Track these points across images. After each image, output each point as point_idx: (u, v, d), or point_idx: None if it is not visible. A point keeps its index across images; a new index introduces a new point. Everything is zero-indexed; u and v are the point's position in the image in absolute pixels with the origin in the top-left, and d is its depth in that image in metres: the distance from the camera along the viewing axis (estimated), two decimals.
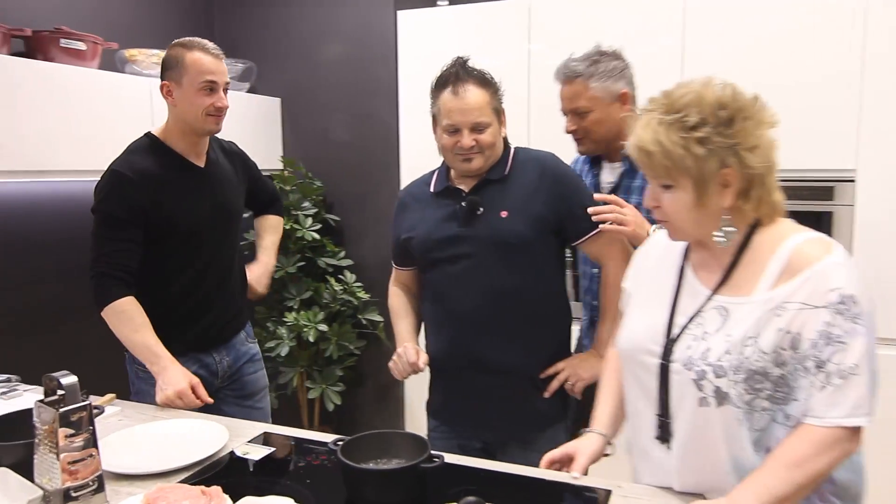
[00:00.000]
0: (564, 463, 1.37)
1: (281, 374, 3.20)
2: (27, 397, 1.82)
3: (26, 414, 1.44)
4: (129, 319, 1.79)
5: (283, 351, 3.11)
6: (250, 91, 3.38)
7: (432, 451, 1.28)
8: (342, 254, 3.36)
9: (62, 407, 1.20)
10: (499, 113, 1.70)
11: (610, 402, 1.42)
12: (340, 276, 3.31)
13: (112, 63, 2.73)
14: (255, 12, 3.49)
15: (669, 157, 1.14)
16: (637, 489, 1.30)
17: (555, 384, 1.71)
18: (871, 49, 2.32)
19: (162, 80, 1.87)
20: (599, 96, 1.85)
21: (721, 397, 1.15)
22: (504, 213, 1.67)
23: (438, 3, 3.14)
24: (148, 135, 1.92)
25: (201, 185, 1.93)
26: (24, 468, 1.25)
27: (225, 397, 2.06)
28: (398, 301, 1.91)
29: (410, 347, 1.72)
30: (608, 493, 1.28)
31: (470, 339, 1.70)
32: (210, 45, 1.87)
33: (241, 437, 1.55)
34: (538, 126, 2.82)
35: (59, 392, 1.22)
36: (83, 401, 1.23)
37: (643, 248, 1.42)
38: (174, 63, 1.84)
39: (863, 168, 2.38)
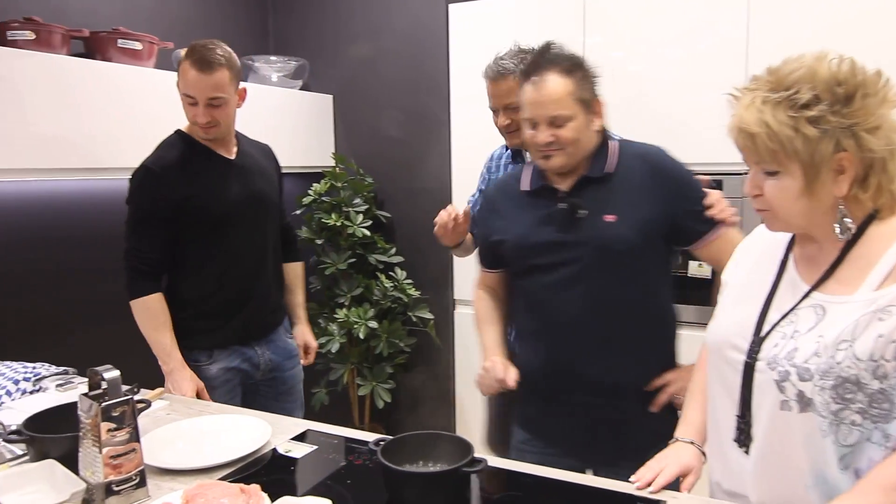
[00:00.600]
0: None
1: (332, 371, 3.20)
2: (82, 389, 1.85)
3: (75, 407, 1.47)
4: (152, 317, 1.88)
5: (334, 347, 3.11)
6: (303, 88, 3.39)
7: (475, 455, 1.22)
8: (393, 250, 3.34)
9: (105, 401, 1.21)
10: (587, 104, 1.52)
11: (701, 407, 1.33)
12: (391, 273, 3.29)
13: (168, 62, 2.78)
14: (308, 10, 3.51)
15: (776, 139, 1.02)
16: (693, 500, 1.22)
17: (663, 397, 1.56)
18: None
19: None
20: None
21: (804, 403, 1.04)
22: (610, 218, 1.51)
23: None
24: (177, 131, 1.98)
25: (231, 175, 1.97)
26: (71, 460, 1.27)
27: (263, 391, 2.11)
28: (485, 306, 1.77)
29: (499, 363, 1.58)
30: (662, 503, 1.20)
31: (570, 354, 1.56)
32: (208, 55, 1.82)
33: (284, 433, 1.54)
34: None
35: (103, 386, 1.22)
36: (127, 395, 1.23)
37: (746, 240, 1.31)
38: (178, 67, 1.89)
39: None
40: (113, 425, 1.21)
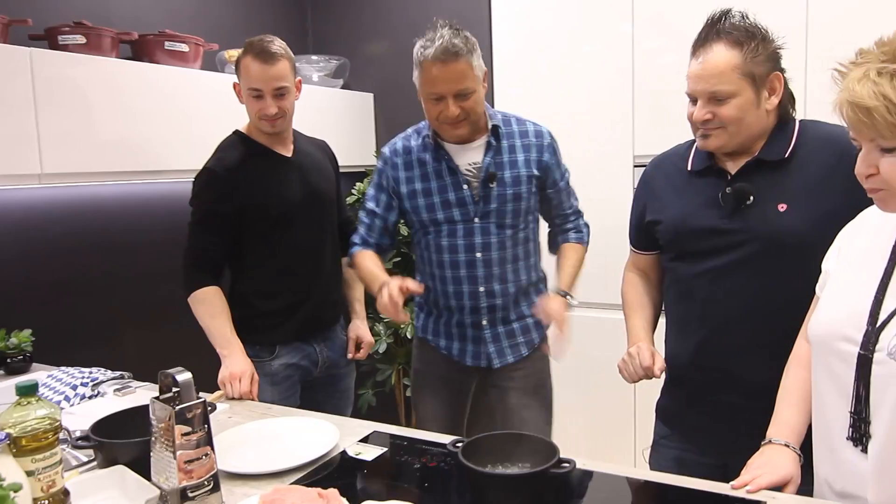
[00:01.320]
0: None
1: (378, 372, 3.17)
2: (140, 394, 1.84)
3: (143, 410, 1.44)
4: (210, 305, 1.88)
5: (381, 348, 3.07)
6: (343, 87, 3.36)
7: (562, 456, 1.17)
8: None
9: (178, 404, 1.17)
10: (757, 79, 1.36)
11: (797, 407, 1.25)
12: None
13: (212, 64, 2.77)
14: (346, 8, 3.48)
15: (895, 111, 0.94)
16: (794, 500, 1.15)
17: None
18: None
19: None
20: (479, 75, 1.76)
21: None
22: (782, 207, 1.38)
23: None
24: (235, 132, 2.00)
25: (290, 172, 1.99)
26: (139, 466, 1.24)
27: (318, 388, 2.11)
28: (633, 291, 1.68)
29: (645, 349, 1.51)
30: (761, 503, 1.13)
31: (724, 350, 1.45)
32: (268, 47, 1.86)
33: (350, 435, 1.50)
34: (642, 107, 2.66)
35: (174, 389, 1.19)
36: (199, 398, 1.20)
37: (849, 227, 1.21)
38: (237, 67, 1.91)
39: None
40: (187, 429, 1.17)
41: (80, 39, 2.16)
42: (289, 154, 2.01)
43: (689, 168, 1.53)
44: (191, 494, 1.18)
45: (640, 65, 2.67)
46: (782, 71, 1.41)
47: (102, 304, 2.53)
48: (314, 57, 3.29)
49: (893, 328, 1.03)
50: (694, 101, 1.43)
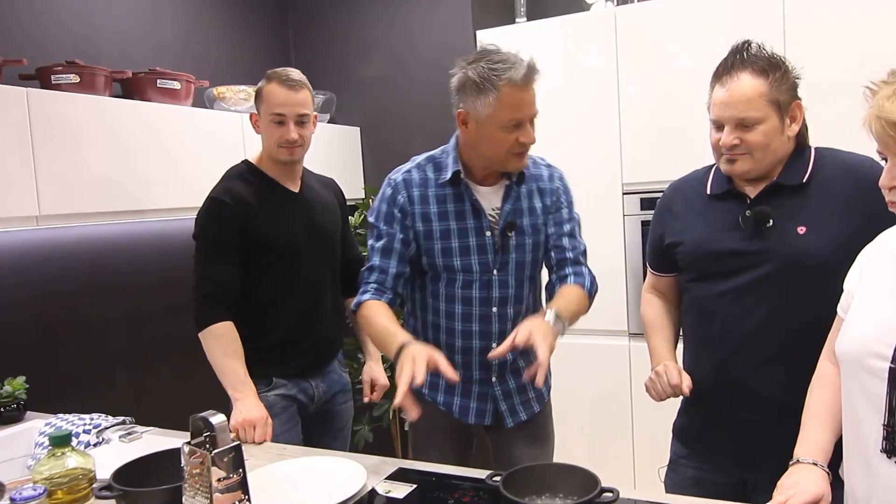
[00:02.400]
0: None
1: (375, 407, 3.13)
2: (147, 439, 1.78)
3: (159, 457, 1.40)
4: (226, 343, 1.82)
5: None
6: (330, 122, 3.37)
7: (604, 486, 1.17)
8: None
9: (212, 449, 1.14)
10: (781, 106, 1.41)
11: (825, 427, 1.27)
12: None
13: (201, 101, 2.75)
14: (331, 43, 3.50)
15: None
16: None
17: None
18: None
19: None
20: None
21: None
22: (802, 229, 1.42)
23: (517, 19, 3.09)
24: (245, 162, 1.98)
25: (296, 208, 1.96)
26: None
27: (313, 425, 2.05)
28: (653, 311, 1.70)
29: (672, 367, 1.53)
30: None
31: (742, 370, 1.48)
32: (292, 74, 1.89)
33: (374, 474, 1.47)
34: (629, 136, 2.73)
35: (208, 432, 1.16)
36: (234, 442, 1.17)
37: (870, 248, 1.25)
38: (258, 94, 1.92)
39: None
40: (223, 473, 1.14)
41: (74, 78, 2.13)
42: (296, 189, 2.00)
43: (708, 192, 1.56)
44: None
45: (625, 95, 2.73)
46: (800, 100, 1.47)
47: (96, 348, 2.46)
48: None
49: None
50: (719, 127, 1.46)
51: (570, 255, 1.74)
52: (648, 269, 1.75)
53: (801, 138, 1.50)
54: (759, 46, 1.45)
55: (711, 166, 1.60)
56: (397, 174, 1.75)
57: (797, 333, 1.43)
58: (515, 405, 1.77)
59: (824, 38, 2.37)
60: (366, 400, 2.13)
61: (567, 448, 2.77)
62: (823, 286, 1.36)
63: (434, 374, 1.74)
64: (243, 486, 1.18)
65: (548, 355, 1.41)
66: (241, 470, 1.17)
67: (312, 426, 2.05)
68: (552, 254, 1.75)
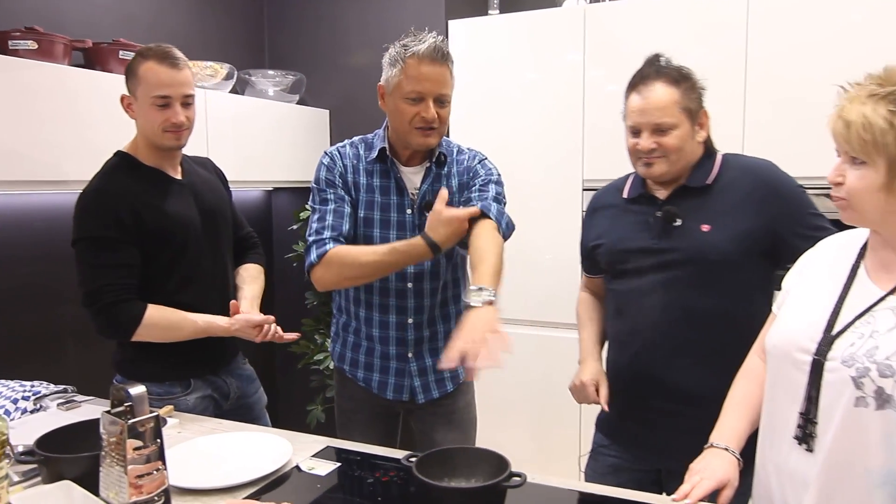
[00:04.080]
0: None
1: (329, 388, 3.15)
2: (86, 408, 1.80)
3: (87, 425, 1.41)
4: (169, 315, 1.73)
5: (331, 364, 3.05)
6: (300, 103, 3.37)
7: (513, 470, 1.20)
8: None
9: (130, 418, 1.16)
10: (691, 114, 1.54)
11: (742, 416, 1.33)
12: None
13: None
14: (305, 25, 3.49)
15: (870, 129, 1.06)
16: None
17: None
18: None
19: (127, 92, 1.75)
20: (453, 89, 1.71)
21: (883, 400, 1.05)
22: (706, 227, 1.52)
23: (489, 11, 3.10)
24: (118, 153, 1.80)
25: (184, 196, 1.83)
26: (88, 481, 1.22)
27: (232, 419, 1.90)
28: (584, 308, 1.82)
29: (590, 385, 1.63)
30: None
31: (654, 361, 1.57)
32: (171, 52, 1.72)
33: (302, 450, 1.50)
34: (592, 133, 2.76)
35: (127, 403, 1.18)
36: (152, 412, 1.19)
37: (811, 252, 1.32)
38: (131, 73, 1.72)
39: None
40: (138, 443, 1.16)
41: (32, 45, 2.11)
42: (179, 176, 1.85)
43: (624, 196, 1.67)
44: None
45: (590, 92, 2.76)
46: (705, 108, 1.59)
47: (44, 317, 2.45)
48: (270, 71, 3.29)
49: (848, 338, 1.12)
50: (636, 133, 1.56)
51: (491, 193, 1.74)
52: (582, 271, 1.84)
53: (709, 144, 1.62)
54: (668, 60, 1.58)
55: (631, 174, 1.69)
56: (332, 148, 1.84)
57: (703, 325, 1.53)
58: (429, 382, 1.84)
59: (787, 36, 2.41)
60: (258, 339, 1.86)
61: (517, 436, 2.82)
62: (726, 280, 1.50)
63: (354, 351, 1.83)
64: (160, 456, 1.20)
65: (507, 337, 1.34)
66: (158, 440, 1.20)
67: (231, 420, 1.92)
68: (474, 195, 1.75)
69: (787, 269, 1.50)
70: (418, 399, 1.84)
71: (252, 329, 1.80)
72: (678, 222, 1.54)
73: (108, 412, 1.19)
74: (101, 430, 1.19)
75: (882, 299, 1.12)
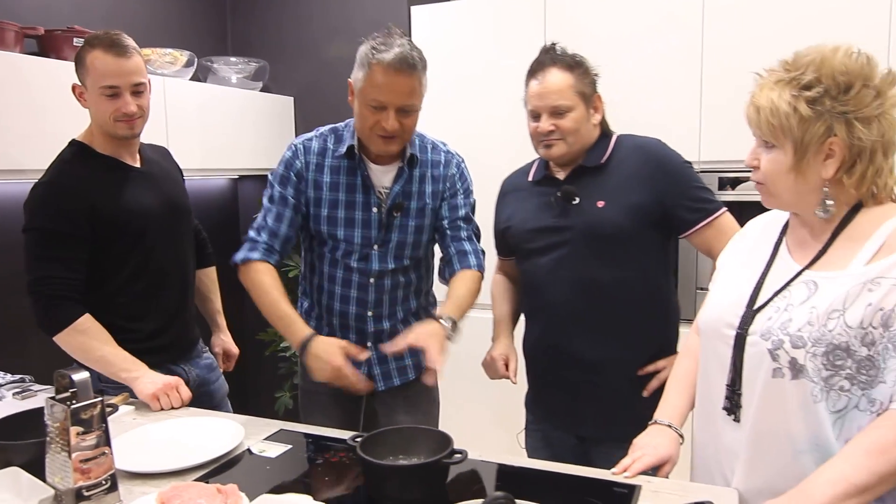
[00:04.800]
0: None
1: (295, 375, 3.16)
2: (42, 397, 1.79)
3: (39, 413, 1.42)
4: (96, 334, 1.69)
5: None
6: (263, 90, 3.36)
7: (455, 447, 1.23)
8: None
9: (73, 404, 1.17)
10: (586, 97, 1.62)
11: (683, 393, 1.39)
12: None
13: None
14: (268, 11, 3.48)
15: (776, 114, 1.11)
16: (668, 484, 1.25)
17: (654, 383, 1.62)
18: None
19: (76, 81, 1.73)
20: (423, 95, 1.68)
21: (797, 370, 1.10)
22: (601, 203, 1.61)
23: None
24: (73, 143, 1.78)
25: (142, 184, 1.81)
26: (36, 467, 1.23)
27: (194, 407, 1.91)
28: (497, 288, 1.91)
29: (499, 359, 1.73)
30: (638, 488, 1.22)
31: (560, 332, 1.66)
32: (119, 39, 1.68)
33: (257, 434, 1.52)
34: None
35: (71, 389, 1.19)
36: (96, 398, 1.20)
37: (742, 230, 1.38)
38: (79, 62, 1.70)
39: None
40: (82, 429, 1.17)
41: None
42: (137, 164, 1.83)
43: (530, 179, 1.76)
44: (87, 494, 1.18)
45: None
46: (598, 93, 1.68)
47: (2, 307, 2.44)
48: (233, 59, 3.27)
49: (767, 313, 1.16)
50: (536, 116, 1.64)
51: (464, 234, 1.82)
52: (497, 254, 1.91)
53: (604, 126, 1.72)
54: (563, 48, 1.67)
55: (537, 159, 1.77)
56: (299, 140, 1.80)
57: (604, 296, 1.62)
58: (390, 370, 1.85)
59: (742, 26, 2.45)
60: (221, 370, 2.08)
61: (477, 417, 2.85)
62: (622, 252, 1.61)
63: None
64: (105, 441, 1.21)
65: (441, 364, 1.51)
66: (103, 425, 1.21)
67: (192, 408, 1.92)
68: (448, 233, 1.81)
69: (678, 239, 1.67)
70: (378, 386, 1.85)
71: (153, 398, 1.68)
72: (576, 200, 1.63)
73: (51, 398, 1.19)
74: (46, 416, 1.20)
75: (798, 274, 1.17)
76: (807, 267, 1.17)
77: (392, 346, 1.61)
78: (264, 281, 1.71)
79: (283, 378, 3.22)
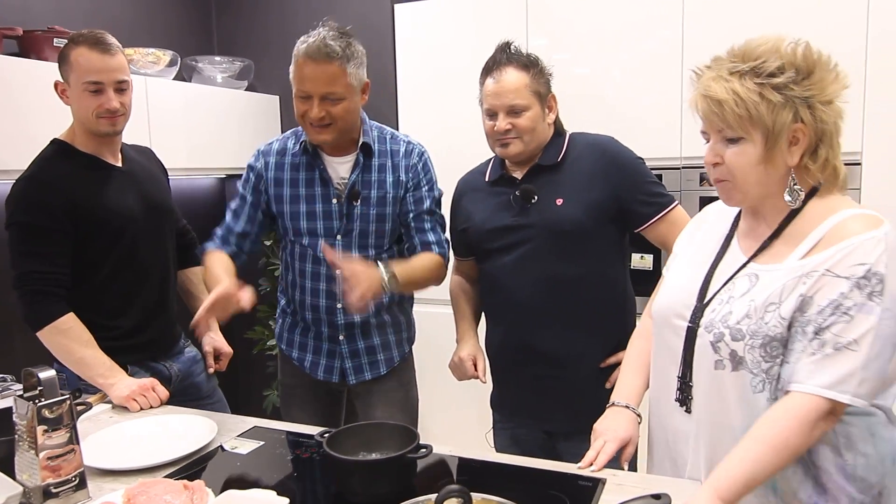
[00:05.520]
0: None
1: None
2: None
3: (9, 412, 1.43)
4: (77, 335, 1.70)
5: None
6: (248, 89, 3.36)
7: (421, 442, 1.24)
8: None
9: (40, 402, 1.18)
10: (541, 97, 1.64)
11: (639, 373, 1.41)
12: None
13: None
14: (252, 10, 3.48)
15: (743, 105, 1.09)
16: (632, 477, 1.27)
17: (616, 374, 1.60)
18: (874, 31, 2.27)
19: (59, 79, 1.74)
20: (354, 84, 1.70)
21: (736, 362, 1.13)
22: (559, 201, 1.63)
23: None
24: (54, 141, 1.79)
25: (123, 183, 1.82)
26: (7, 465, 1.24)
27: (181, 403, 1.90)
28: (457, 290, 1.90)
29: (468, 360, 1.73)
30: (602, 481, 1.23)
31: (525, 330, 1.67)
32: (103, 38, 1.71)
33: (231, 431, 1.53)
34: None
35: (39, 387, 1.20)
36: (63, 396, 1.21)
37: (698, 216, 1.38)
38: (63, 60, 1.72)
39: (868, 152, 2.33)
40: (48, 427, 1.18)
41: None
42: (118, 163, 1.84)
43: (486, 179, 1.76)
44: (55, 491, 1.19)
45: None
46: (553, 93, 1.70)
47: None
48: (218, 58, 3.27)
49: (713, 306, 1.18)
50: (492, 115, 1.65)
51: (428, 225, 1.85)
52: (454, 255, 1.90)
53: (558, 126, 1.73)
54: (518, 47, 1.68)
55: (491, 158, 1.78)
56: (262, 144, 1.89)
57: (566, 291, 1.64)
58: (362, 364, 1.88)
59: (722, 24, 2.45)
60: (210, 371, 2.05)
61: (443, 416, 2.86)
62: (582, 247, 1.63)
63: (290, 331, 1.89)
64: (74, 439, 1.22)
65: (357, 301, 1.53)
66: (70, 423, 1.22)
67: (178, 404, 1.88)
68: (412, 224, 1.83)
69: (634, 233, 1.67)
70: (349, 380, 1.88)
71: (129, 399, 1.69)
72: (535, 199, 1.64)
73: (19, 396, 1.20)
74: (14, 414, 1.21)
75: (743, 266, 1.18)
76: (751, 259, 1.18)
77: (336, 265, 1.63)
78: (209, 261, 1.78)
79: (270, 376, 3.23)
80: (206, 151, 3.05)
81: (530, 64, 1.64)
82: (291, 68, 1.71)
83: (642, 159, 1.70)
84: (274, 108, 3.47)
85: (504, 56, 1.64)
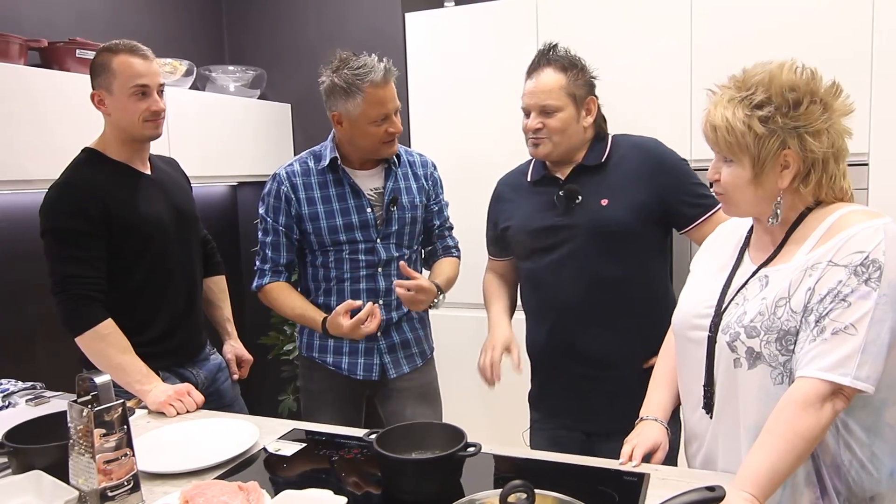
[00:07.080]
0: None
1: (298, 377, 3.19)
2: (54, 403, 1.82)
3: (55, 418, 1.45)
4: (116, 341, 1.72)
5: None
6: (261, 98, 3.39)
7: (469, 441, 1.27)
8: None
9: (96, 406, 1.20)
10: (577, 99, 1.67)
11: (665, 390, 1.44)
12: None
13: None
14: (264, 20, 3.50)
15: (732, 133, 1.15)
16: (674, 472, 1.30)
17: None
18: (880, 31, 2.31)
19: (92, 89, 1.77)
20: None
21: (754, 358, 1.16)
22: (604, 202, 1.66)
23: (445, 3, 3.15)
24: (86, 150, 1.82)
25: (153, 191, 1.86)
26: (56, 471, 1.25)
27: (204, 408, 1.90)
28: (491, 286, 1.93)
29: (500, 347, 1.71)
30: (647, 476, 1.26)
31: (568, 330, 1.69)
32: (139, 46, 1.77)
33: (270, 434, 1.55)
34: None
35: (93, 392, 1.22)
36: (116, 400, 1.23)
37: (712, 235, 1.43)
38: (102, 69, 1.75)
39: (875, 153, 2.37)
40: (104, 431, 1.20)
41: None
42: (148, 171, 1.88)
43: (528, 179, 1.80)
44: (111, 494, 1.21)
45: None
46: (596, 97, 1.72)
47: (12, 316, 2.46)
48: (230, 67, 3.30)
49: (729, 311, 1.22)
50: (527, 114, 1.70)
51: (447, 233, 2.10)
52: (488, 255, 1.96)
53: (599, 128, 1.76)
54: (566, 49, 1.71)
55: (531, 159, 1.81)
56: (280, 169, 1.94)
57: (609, 292, 1.66)
58: (399, 359, 1.96)
59: (729, 28, 2.50)
60: (235, 378, 2.10)
61: (472, 413, 2.88)
62: (626, 248, 1.65)
63: (322, 338, 1.92)
64: (127, 443, 1.24)
65: (416, 305, 1.82)
66: (125, 427, 1.24)
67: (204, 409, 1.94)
68: (436, 232, 2.07)
69: (677, 233, 1.70)
70: (389, 374, 1.95)
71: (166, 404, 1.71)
72: (579, 199, 1.67)
73: (74, 402, 1.22)
74: (69, 419, 1.23)
75: (754, 273, 1.23)
76: (762, 266, 1.23)
77: (399, 283, 1.81)
78: (278, 296, 1.94)
79: (285, 381, 3.24)
80: (219, 159, 3.07)
81: (570, 66, 1.67)
82: (358, 100, 1.80)
83: (686, 161, 1.73)
84: (286, 116, 3.49)
85: (544, 57, 1.68)
